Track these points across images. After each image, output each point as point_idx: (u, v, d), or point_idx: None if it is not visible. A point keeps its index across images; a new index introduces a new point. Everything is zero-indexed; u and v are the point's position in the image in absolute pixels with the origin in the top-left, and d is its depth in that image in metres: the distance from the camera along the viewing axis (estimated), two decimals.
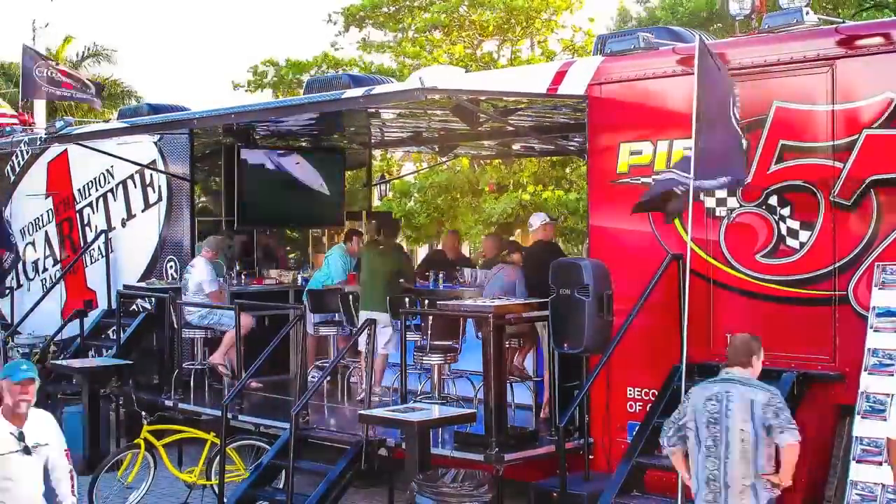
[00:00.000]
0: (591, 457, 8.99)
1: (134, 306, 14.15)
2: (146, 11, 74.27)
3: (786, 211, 8.27)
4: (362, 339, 10.68)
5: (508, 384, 9.69)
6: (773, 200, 8.33)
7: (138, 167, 14.70)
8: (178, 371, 12.21)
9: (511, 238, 12.63)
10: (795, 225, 8.23)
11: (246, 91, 26.89)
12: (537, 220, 11.40)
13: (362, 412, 9.30)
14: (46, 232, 16.42)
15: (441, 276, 12.32)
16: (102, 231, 15.38)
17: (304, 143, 15.07)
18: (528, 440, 9.35)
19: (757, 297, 8.43)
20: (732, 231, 8.58)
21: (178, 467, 10.49)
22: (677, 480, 7.31)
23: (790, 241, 8.25)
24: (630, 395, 9.09)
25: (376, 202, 21.45)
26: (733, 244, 8.57)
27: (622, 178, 9.22)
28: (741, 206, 8.50)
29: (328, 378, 10.94)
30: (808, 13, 8.34)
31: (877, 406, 7.26)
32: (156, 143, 14.53)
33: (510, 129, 12.22)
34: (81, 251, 15.67)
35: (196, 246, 13.73)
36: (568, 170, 22.72)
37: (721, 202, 8.62)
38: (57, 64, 18.42)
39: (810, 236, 8.16)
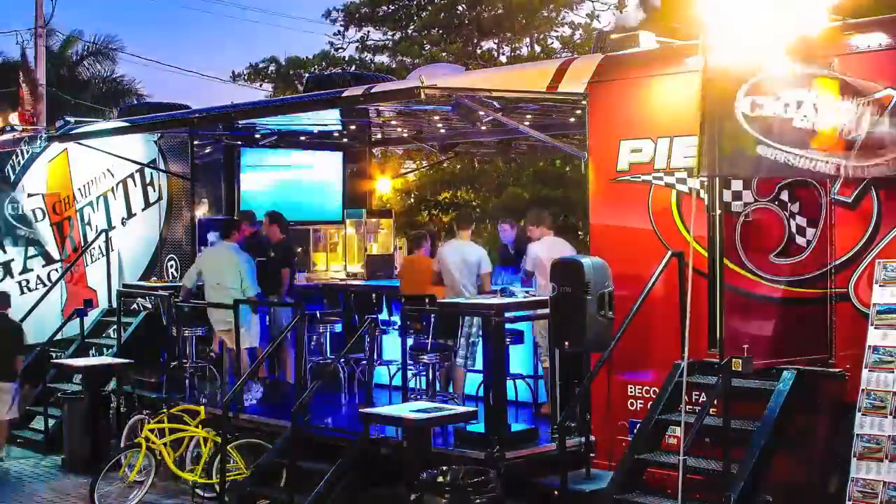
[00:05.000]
0: (591, 455, 8.99)
1: (134, 305, 14.15)
2: (147, 9, 74.26)
3: (795, 207, 8.25)
4: None
5: (510, 381, 9.70)
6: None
7: (138, 166, 14.71)
8: (180, 369, 12.20)
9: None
10: (803, 222, 8.21)
11: (246, 80, 26.90)
12: None
13: (363, 410, 9.30)
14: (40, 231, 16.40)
15: None
16: (103, 230, 15.37)
17: (303, 140, 15.06)
18: (528, 438, 9.36)
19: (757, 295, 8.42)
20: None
21: (179, 466, 10.49)
22: (678, 478, 7.31)
23: (798, 240, 8.22)
24: (631, 392, 9.09)
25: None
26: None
27: (623, 176, 9.21)
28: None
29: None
30: None
31: (877, 403, 7.26)
32: (156, 142, 14.53)
33: (510, 126, 12.21)
34: (82, 250, 15.67)
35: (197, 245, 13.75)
36: (568, 168, 22.74)
37: None
38: (22, 78, 18.57)
39: (815, 234, 8.14)
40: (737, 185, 8.39)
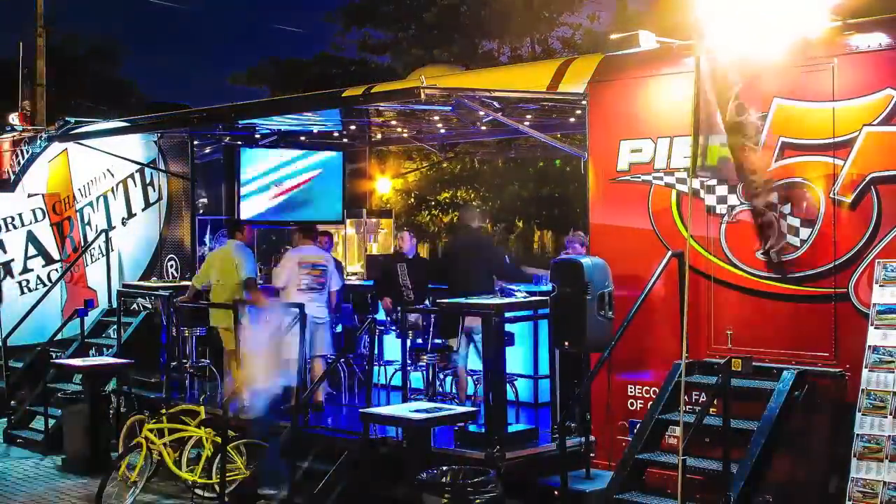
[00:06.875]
0: (591, 455, 8.99)
1: (134, 305, 14.14)
2: (147, 9, 74.27)
3: (786, 208, 8.26)
4: None
5: (510, 381, 9.70)
6: (774, 198, 8.31)
7: (138, 166, 14.71)
8: (179, 369, 12.20)
9: None
10: (796, 222, 8.22)
11: (246, 84, 26.94)
12: None
13: (363, 410, 9.30)
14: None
15: None
16: (103, 230, 15.37)
17: (303, 140, 15.06)
18: (528, 438, 9.36)
19: (757, 295, 8.42)
20: (733, 228, 8.57)
21: (178, 466, 10.49)
22: (678, 478, 7.31)
23: (791, 239, 8.24)
24: (631, 392, 9.09)
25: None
26: (734, 242, 8.56)
27: (622, 176, 9.22)
28: (741, 203, 8.49)
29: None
30: None
31: (877, 403, 7.26)
32: (156, 142, 14.53)
33: (510, 127, 12.21)
34: (82, 250, 15.67)
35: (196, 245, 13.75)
36: (568, 168, 22.75)
37: (721, 200, 8.61)
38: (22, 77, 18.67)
39: (811, 234, 8.15)
40: (721, 189, 8.47)
